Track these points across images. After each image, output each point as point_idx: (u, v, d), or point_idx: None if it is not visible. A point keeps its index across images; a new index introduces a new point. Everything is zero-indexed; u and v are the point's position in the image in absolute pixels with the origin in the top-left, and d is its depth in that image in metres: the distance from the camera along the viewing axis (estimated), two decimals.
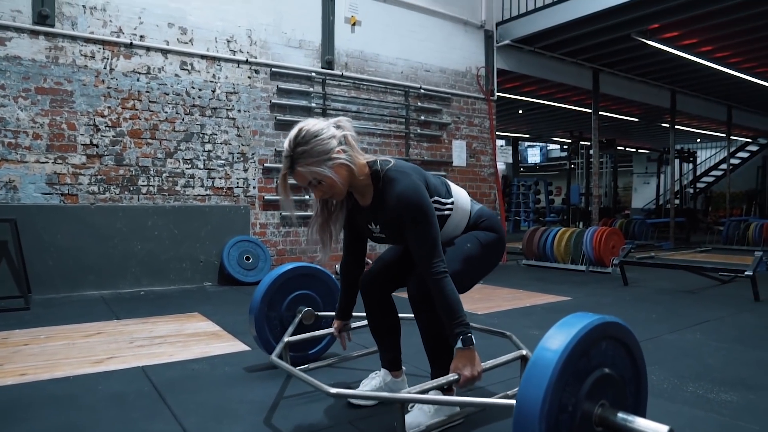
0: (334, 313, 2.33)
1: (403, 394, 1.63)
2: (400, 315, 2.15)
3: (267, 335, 2.54)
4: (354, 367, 2.63)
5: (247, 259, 5.36)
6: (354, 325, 2.31)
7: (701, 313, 3.96)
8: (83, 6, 4.76)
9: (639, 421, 1.26)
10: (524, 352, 2.01)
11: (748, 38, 7.41)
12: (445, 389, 1.87)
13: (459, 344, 1.69)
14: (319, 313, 2.61)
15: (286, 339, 2.34)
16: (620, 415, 1.29)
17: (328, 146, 1.76)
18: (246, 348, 2.97)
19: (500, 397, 2.05)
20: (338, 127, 1.81)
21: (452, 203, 1.97)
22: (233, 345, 3.04)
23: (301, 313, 2.57)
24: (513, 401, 1.28)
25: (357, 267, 2.16)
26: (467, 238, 1.98)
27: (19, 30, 4.49)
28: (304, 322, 2.56)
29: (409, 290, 1.87)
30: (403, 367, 2.16)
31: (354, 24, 6.23)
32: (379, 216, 1.88)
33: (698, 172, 17.60)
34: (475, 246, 1.97)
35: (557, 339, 1.26)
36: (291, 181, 1.83)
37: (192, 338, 3.19)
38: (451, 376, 1.70)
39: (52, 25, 4.62)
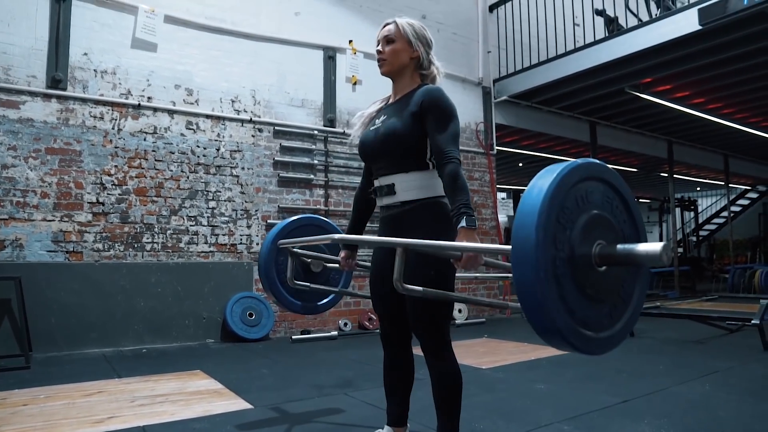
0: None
1: (403, 240, 1.68)
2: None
3: (274, 277, 2.44)
4: (359, 424, 2.58)
5: (250, 315, 5.33)
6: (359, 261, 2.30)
7: (709, 364, 3.90)
8: (95, 70, 4.95)
9: (638, 246, 1.27)
10: None
11: (738, 90, 7.59)
12: None
13: (463, 222, 1.69)
14: (328, 265, 2.52)
15: (295, 249, 2.33)
16: (619, 246, 1.30)
17: (426, 35, 2.03)
18: (248, 406, 2.93)
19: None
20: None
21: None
22: (235, 403, 3.00)
23: (309, 260, 2.50)
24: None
25: (370, 197, 2.16)
26: (430, 277, 1.83)
27: (33, 94, 4.66)
28: (313, 269, 2.50)
29: (420, 336, 1.88)
30: (408, 424, 2.13)
31: (355, 83, 6.43)
32: (397, 108, 1.96)
33: (700, 220, 17.65)
34: (440, 275, 1.85)
35: (539, 183, 1.28)
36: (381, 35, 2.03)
37: (194, 396, 3.15)
38: (456, 247, 1.66)
39: (65, 89, 4.79)
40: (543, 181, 1.28)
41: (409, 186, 1.91)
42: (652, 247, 1.25)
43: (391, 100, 2.08)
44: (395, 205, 1.95)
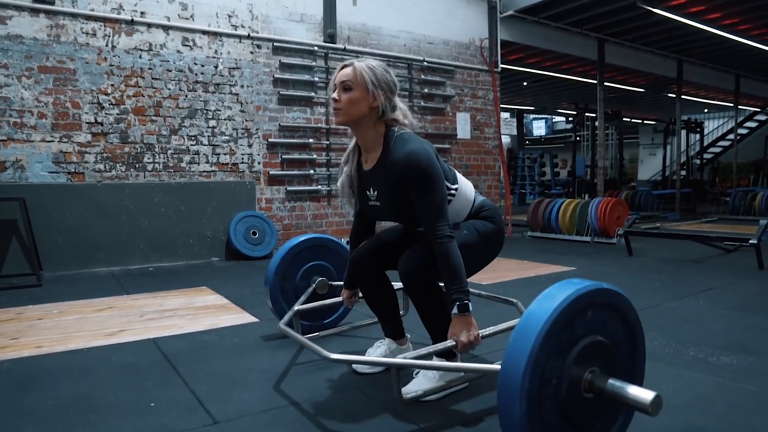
0: None
1: (399, 360, 1.67)
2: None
3: (282, 306, 2.59)
4: (362, 335, 2.68)
5: (254, 234, 5.41)
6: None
7: (705, 282, 3.99)
8: None
9: (629, 388, 1.26)
10: None
11: (756, 4, 7.27)
12: (449, 359, 1.91)
13: (456, 310, 1.71)
14: (333, 283, 2.64)
15: (296, 307, 2.38)
16: (611, 381, 1.29)
17: (389, 80, 1.87)
18: (254, 320, 3.03)
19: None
20: (398, 95, 1.92)
21: (456, 189, 1.96)
22: (241, 317, 3.10)
23: (315, 282, 2.61)
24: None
25: (366, 234, 2.18)
26: (465, 226, 1.97)
27: (19, 8, 4.48)
28: (319, 292, 2.60)
29: (400, 268, 1.85)
30: (408, 335, 2.20)
31: None
32: (379, 179, 1.88)
33: (705, 143, 17.45)
34: (473, 234, 1.95)
35: (537, 314, 1.25)
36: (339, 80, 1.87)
37: (201, 311, 3.25)
38: (449, 342, 1.73)
39: (52, 3, 4.59)
40: (540, 313, 1.24)
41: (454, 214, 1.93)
42: (642, 394, 1.22)
43: (365, 160, 1.94)
44: None
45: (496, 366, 1.36)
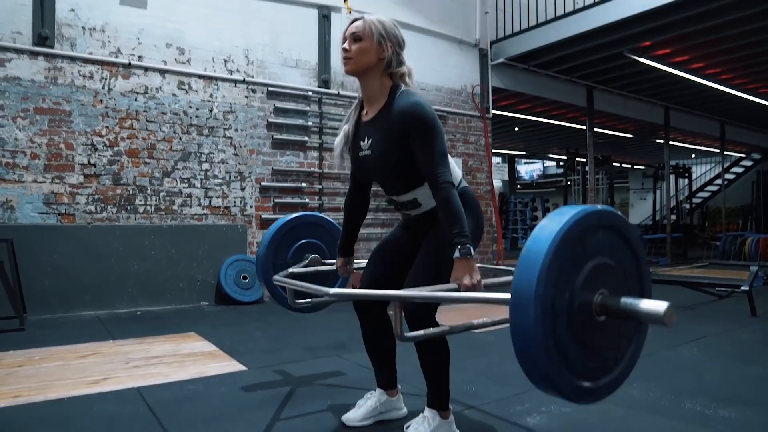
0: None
1: (400, 292, 1.63)
2: None
3: (273, 289, 2.46)
4: (352, 386, 2.62)
5: (244, 278, 5.35)
6: (356, 265, 2.31)
7: (698, 329, 3.96)
8: (83, 27, 4.81)
9: (642, 303, 1.23)
10: None
11: (738, 55, 7.50)
12: (440, 412, 1.88)
13: (457, 254, 1.67)
14: (326, 261, 2.57)
15: (291, 270, 2.34)
16: (623, 299, 1.26)
17: (398, 34, 1.91)
18: (243, 368, 2.96)
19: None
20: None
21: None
22: (229, 365, 3.02)
23: (308, 259, 2.54)
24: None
25: (361, 201, 2.17)
26: (439, 248, 1.87)
27: (19, 51, 4.53)
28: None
29: (407, 304, 1.83)
30: (399, 386, 2.16)
31: None
32: (378, 128, 1.89)
33: (694, 188, 17.69)
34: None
35: (550, 226, 1.23)
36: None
37: (188, 358, 3.17)
38: (451, 285, 1.68)
39: (52, 46, 4.66)
40: (552, 225, 1.22)
41: (429, 196, 1.88)
42: (655, 306, 1.20)
43: (366, 112, 1.98)
44: (422, 213, 1.97)
45: (506, 295, 1.30)
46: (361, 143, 1.95)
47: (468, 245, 1.68)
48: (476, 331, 3.88)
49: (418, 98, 1.82)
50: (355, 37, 1.87)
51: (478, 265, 1.69)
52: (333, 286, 2.59)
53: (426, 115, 1.77)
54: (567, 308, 1.22)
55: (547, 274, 1.17)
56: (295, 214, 2.61)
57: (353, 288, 2.20)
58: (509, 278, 1.85)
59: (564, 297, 1.22)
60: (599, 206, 1.31)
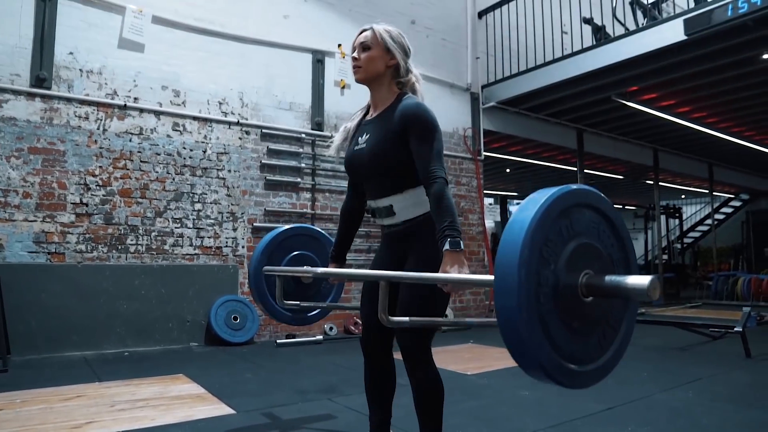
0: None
1: (387, 272, 1.66)
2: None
3: (264, 290, 2.43)
4: (342, 430, 2.56)
5: (235, 319, 5.29)
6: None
7: (693, 371, 3.93)
8: (80, 69, 4.89)
9: (627, 279, 1.21)
10: None
11: (721, 100, 7.69)
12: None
13: (447, 246, 1.67)
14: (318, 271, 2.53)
15: (282, 268, 2.33)
16: (607, 277, 1.25)
17: (404, 43, 1.98)
18: (231, 411, 2.89)
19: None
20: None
21: None
22: (218, 408, 2.96)
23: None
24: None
25: (358, 207, 2.17)
26: (419, 289, 1.84)
27: (17, 93, 4.59)
28: (303, 281, 2.47)
29: (403, 341, 1.84)
30: (391, 431, 2.11)
31: (343, 87, 6.42)
32: (377, 126, 1.93)
33: (684, 228, 17.83)
34: (437, 293, 1.81)
35: (531, 204, 1.22)
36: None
37: (175, 401, 3.10)
38: (440, 275, 1.64)
39: (49, 88, 4.72)
40: (525, 213, 1.22)
41: (406, 205, 1.91)
42: (639, 280, 1.20)
43: (371, 112, 2.05)
44: (396, 224, 1.97)
45: (490, 277, 1.29)
46: (359, 138, 2.01)
47: (458, 239, 1.69)
48: (469, 373, 3.84)
49: (422, 103, 1.90)
50: (364, 47, 1.95)
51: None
52: (327, 298, 2.61)
53: (427, 117, 1.84)
54: (552, 288, 1.21)
55: (527, 267, 1.16)
56: (289, 226, 2.61)
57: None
58: (491, 278, 1.85)
59: (548, 276, 1.21)
60: (569, 186, 1.30)
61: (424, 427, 1.86)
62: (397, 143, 1.86)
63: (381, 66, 1.94)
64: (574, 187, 1.30)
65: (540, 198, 1.24)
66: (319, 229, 2.67)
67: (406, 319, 1.68)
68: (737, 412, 2.87)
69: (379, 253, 2.12)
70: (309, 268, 1.70)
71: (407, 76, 2.00)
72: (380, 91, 1.99)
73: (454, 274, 1.61)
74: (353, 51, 1.98)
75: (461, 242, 1.70)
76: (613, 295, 1.26)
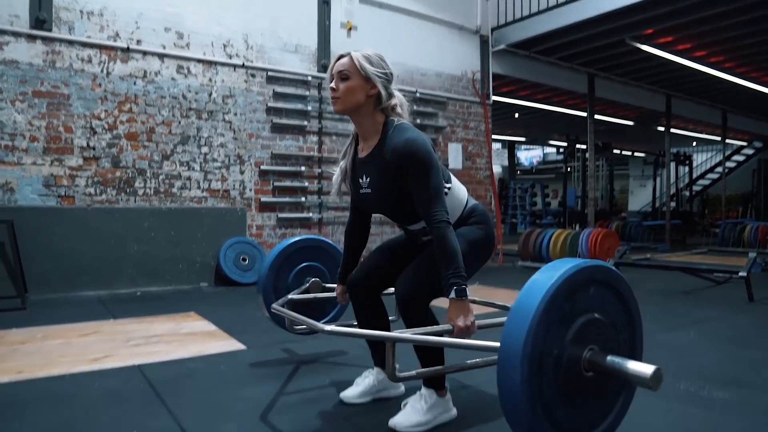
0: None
1: (393, 334, 1.64)
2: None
3: (273, 303, 2.52)
4: (351, 364, 2.65)
5: (244, 260, 5.37)
6: None
7: (696, 313, 3.99)
8: (80, 11, 4.78)
9: (629, 363, 1.24)
10: None
11: (740, 43, 7.47)
12: (437, 390, 1.90)
13: (453, 294, 1.68)
14: (327, 285, 2.60)
15: (290, 296, 2.37)
16: (610, 357, 1.27)
17: (385, 69, 1.89)
18: (242, 347, 2.98)
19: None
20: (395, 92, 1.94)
21: (449, 188, 1.95)
22: (229, 344, 3.05)
23: (309, 283, 2.57)
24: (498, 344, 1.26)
25: (361, 231, 2.18)
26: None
27: (17, 34, 4.51)
28: (311, 293, 2.56)
29: (397, 291, 1.84)
30: (397, 365, 2.17)
31: (350, 29, 6.26)
32: (373, 166, 1.88)
33: (694, 175, 17.69)
34: (462, 244, 1.88)
35: (541, 282, 1.23)
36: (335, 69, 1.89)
37: (188, 337, 3.20)
38: (445, 326, 1.69)
39: (50, 30, 4.63)
40: (544, 280, 1.22)
41: None
42: (642, 369, 1.21)
43: (361, 148, 1.95)
44: None
45: (496, 344, 1.32)
46: (360, 180, 1.95)
47: (463, 286, 1.68)
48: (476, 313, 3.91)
49: (410, 134, 1.79)
50: (342, 76, 1.84)
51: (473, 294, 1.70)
52: (332, 312, 2.71)
53: (419, 152, 1.75)
54: (554, 365, 1.23)
55: (536, 333, 1.17)
56: (297, 238, 2.68)
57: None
58: (503, 320, 1.90)
59: (552, 353, 1.22)
60: (592, 261, 1.32)
61: (426, 365, 1.88)
62: (400, 182, 1.81)
63: (361, 97, 1.84)
64: (598, 262, 1.29)
65: (563, 265, 1.26)
66: (327, 240, 2.74)
67: (413, 372, 1.71)
68: (736, 352, 2.93)
69: (403, 240, 2.13)
70: (315, 324, 1.72)
71: (390, 101, 1.89)
72: (364, 123, 1.89)
73: (459, 332, 1.68)
74: (331, 80, 1.87)
75: (467, 289, 1.69)
76: (613, 377, 1.27)
